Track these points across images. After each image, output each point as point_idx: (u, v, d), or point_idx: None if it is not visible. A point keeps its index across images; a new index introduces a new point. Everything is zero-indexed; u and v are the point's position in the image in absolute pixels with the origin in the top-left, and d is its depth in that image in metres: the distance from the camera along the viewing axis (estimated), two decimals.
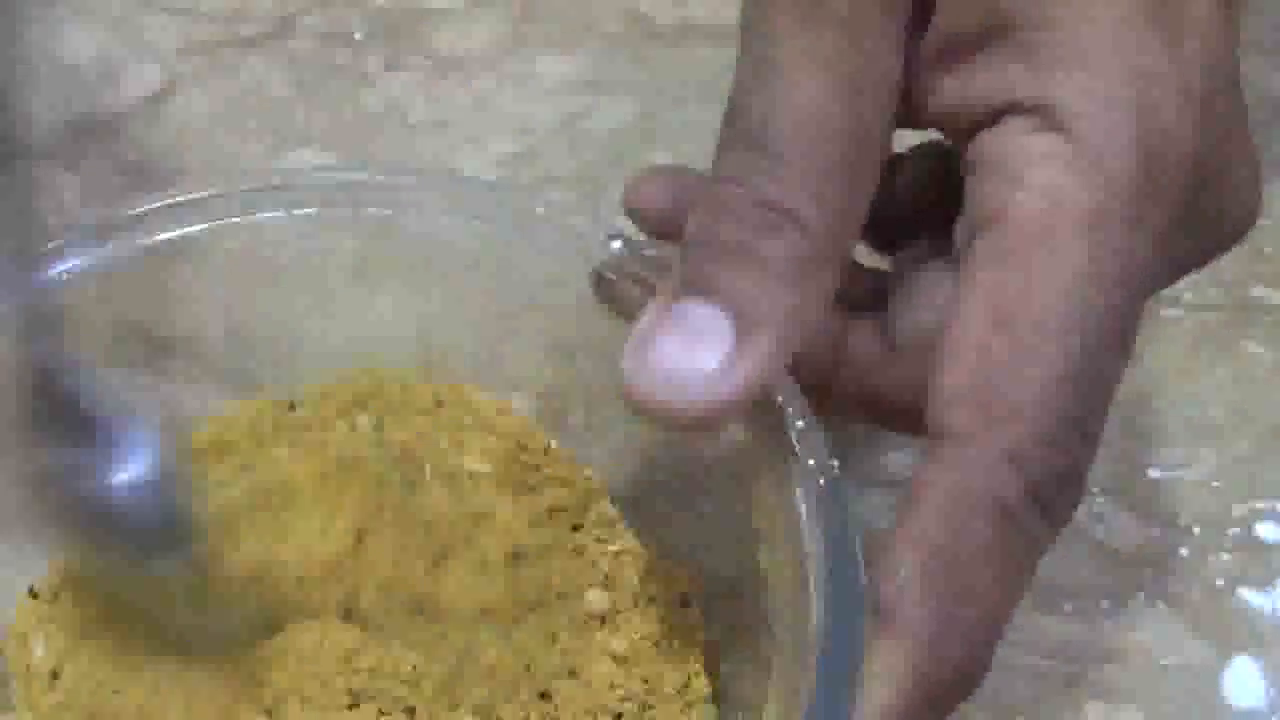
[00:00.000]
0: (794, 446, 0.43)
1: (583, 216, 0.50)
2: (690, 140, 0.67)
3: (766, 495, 0.45)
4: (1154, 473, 0.57)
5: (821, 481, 0.42)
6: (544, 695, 0.46)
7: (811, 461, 0.42)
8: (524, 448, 0.51)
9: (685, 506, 0.51)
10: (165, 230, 0.52)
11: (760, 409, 0.44)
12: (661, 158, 0.68)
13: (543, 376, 0.53)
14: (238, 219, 0.52)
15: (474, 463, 0.50)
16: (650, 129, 0.69)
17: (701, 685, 0.47)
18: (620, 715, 0.46)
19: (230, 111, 0.70)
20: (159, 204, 0.52)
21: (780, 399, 0.44)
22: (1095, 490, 0.56)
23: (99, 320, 0.53)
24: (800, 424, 0.43)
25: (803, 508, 0.42)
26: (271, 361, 0.55)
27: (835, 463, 0.42)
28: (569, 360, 0.53)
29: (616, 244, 0.48)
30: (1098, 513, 0.55)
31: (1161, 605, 0.53)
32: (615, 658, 0.47)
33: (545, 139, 0.69)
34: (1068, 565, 0.54)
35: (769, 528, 0.46)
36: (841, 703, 0.38)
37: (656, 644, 0.47)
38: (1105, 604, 0.53)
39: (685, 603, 0.48)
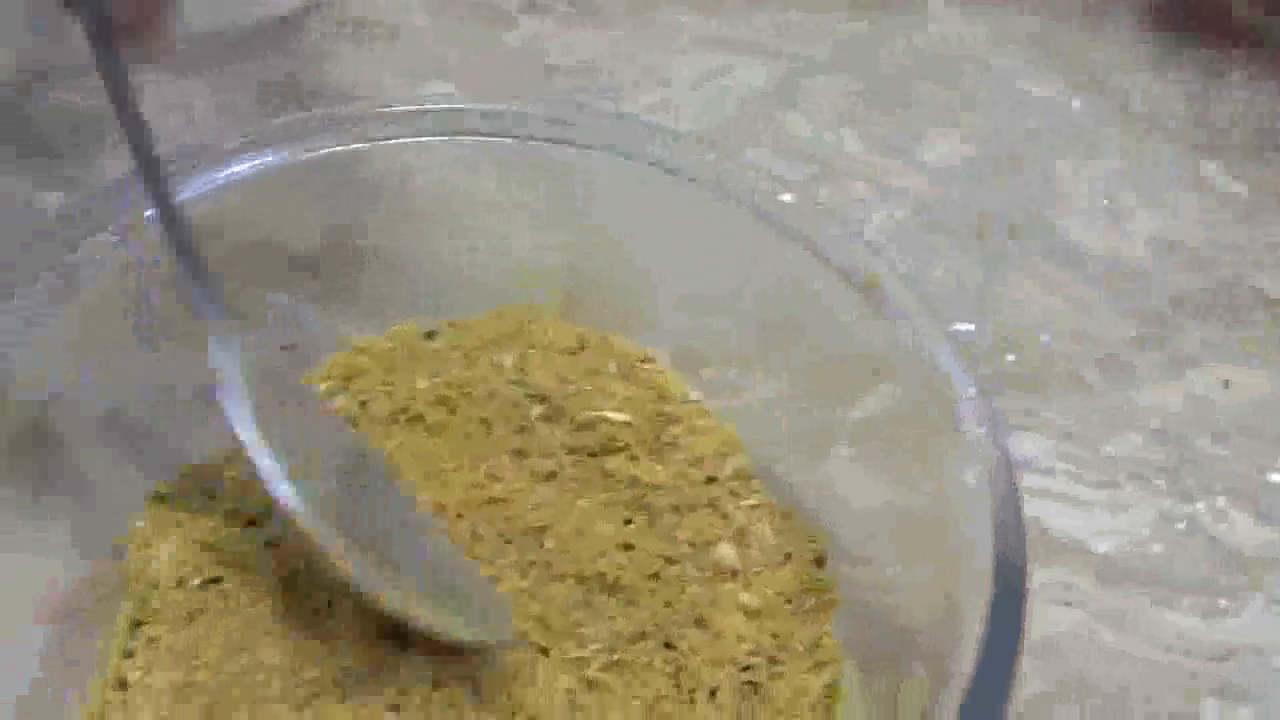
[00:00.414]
0: (962, 416, 0.42)
1: (752, 169, 0.49)
2: (826, 107, 0.67)
3: (918, 464, 0.45)
4: (1275, 476, 0.56)
5: (994, 457, 0.41)
6: (669, 645, 0.46)
7: (983, 431, 0.42)
8: (664, 398, 0.51)
9: (815, 469, 0.51)
10: (309, 149, 0.51)
11: (920, 370, 0.44)
12: (796, 122, 0.68)
13: (679, 329, 0.53)
14: (385, 142, 0.52)
15: (614, 410, 0.49)
16: (786, 93, 0.69)
17: (833, 646, 0.47)
18: (748, 668, 0.46)
19: (367, 39, 0.70)
20: (302, 122, 0.52)
21: (943, 362, 0.43)
22: (1217, 490, 0.55)
23: (235, 236, 0.53)
24: (971, 391, 0.42)
25: (970, 482, 0.41)
26: (408, 289, 0.55)
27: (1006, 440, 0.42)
28: (706, 314, 0.52)
29: (787, 197, 0.47)
30: (1220, 510, 0.55)
31: (1278, 609, 0.53)
32: (746, 611, 0.47)
33: (681, 94, 0.68)
34: (1188, 562, 0.54)
35: (908, 495, 0.46)
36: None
37: (789, 601, 0.47)
38: (1223, 603, 0.53)
39: (820, 562, 0.48)
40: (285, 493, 0.45)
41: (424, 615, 0.45)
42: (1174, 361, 0.60)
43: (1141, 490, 0.56)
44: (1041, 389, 0.58)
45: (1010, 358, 0.59)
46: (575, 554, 0.48)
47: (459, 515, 0.48)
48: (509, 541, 0.48)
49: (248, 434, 0.45)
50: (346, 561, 0.45)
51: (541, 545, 0.48)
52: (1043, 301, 0.61)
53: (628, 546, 0.48)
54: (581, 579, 0.47)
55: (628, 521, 0.48)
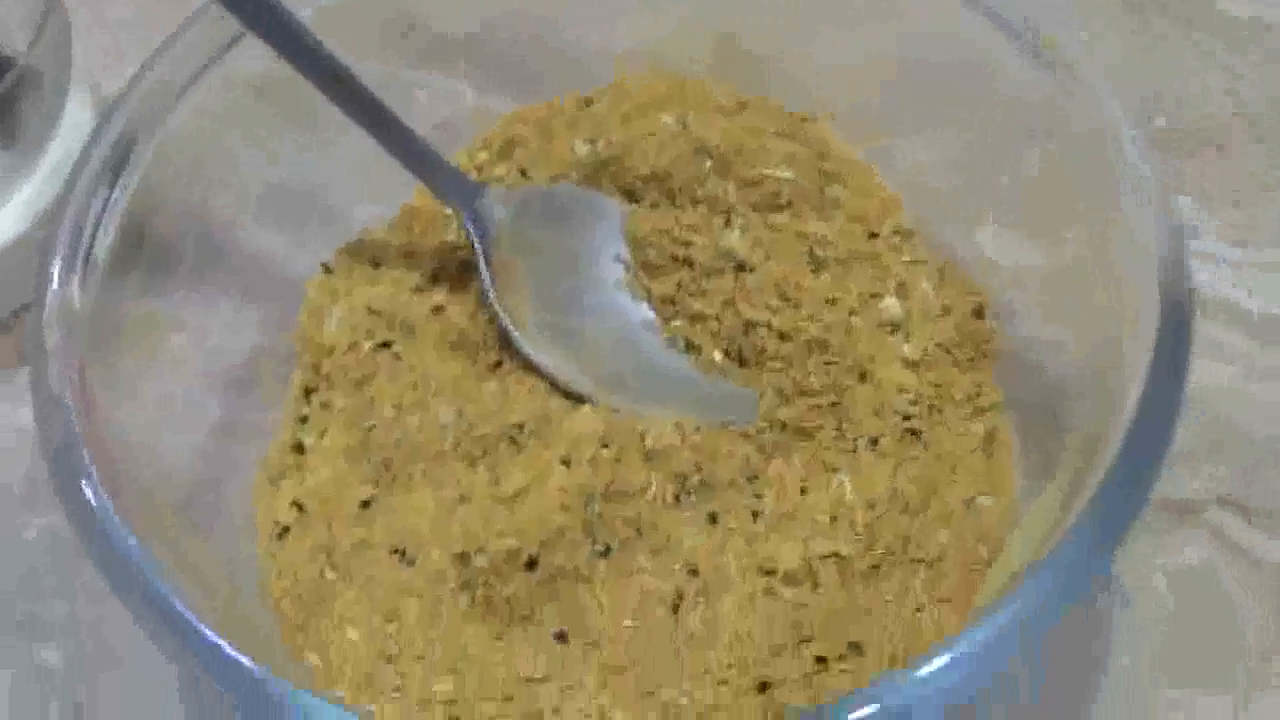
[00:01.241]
0: (1130, 162, 0.42)
1: None
2: None
3: (1080, 218, 0.45)
4: None
5: (1161, 202, 0.42)
6: (835, 404, 0.47)
7: (1149, 173, 0.42)
8: (824, 156, 0.51)
9: (972, 229, 0.51)
10: None
11: (1087, 124, 0.44)
12: None
13: (835, 93, 0.53)
14: None
15: (777, 168, 0.50)
16: None
17: (993, 394, 0.47)
18: (909, 417, 0.47)
19: None
20: None
21: (1110, 114, 0.43)
22: None
23: (387, 18, 0.54)
24: (1138, 138, 0.42)
25: (1137, 229, 0.42)
26: (561, 64, 0.55)
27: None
28: (864, 77, 0.52)
29: None
30: None
31: None
32: (906, 362, 0.47)
33: None
34: None
35: (1068, 249, 0.46)
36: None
37: (948, 351, 0.48)
38: None
39: (979, 314, 0.48)
40: (526, 347, 0.49)
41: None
42: None
43: None
44: (1190, 152, 0.58)
45: (1160, 121, 0.59)
46: (737, 308, 0.48)
47: (656, 267, 0.49)
48: (709, 277, 0.49)
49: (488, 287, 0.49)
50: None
51: (741, 286, 0.49)
52: (1191, 67, 0.61)
53: (830, 300, 0.48)
54: (744, 332, 0.48)
55: (795, 276, 0.48)
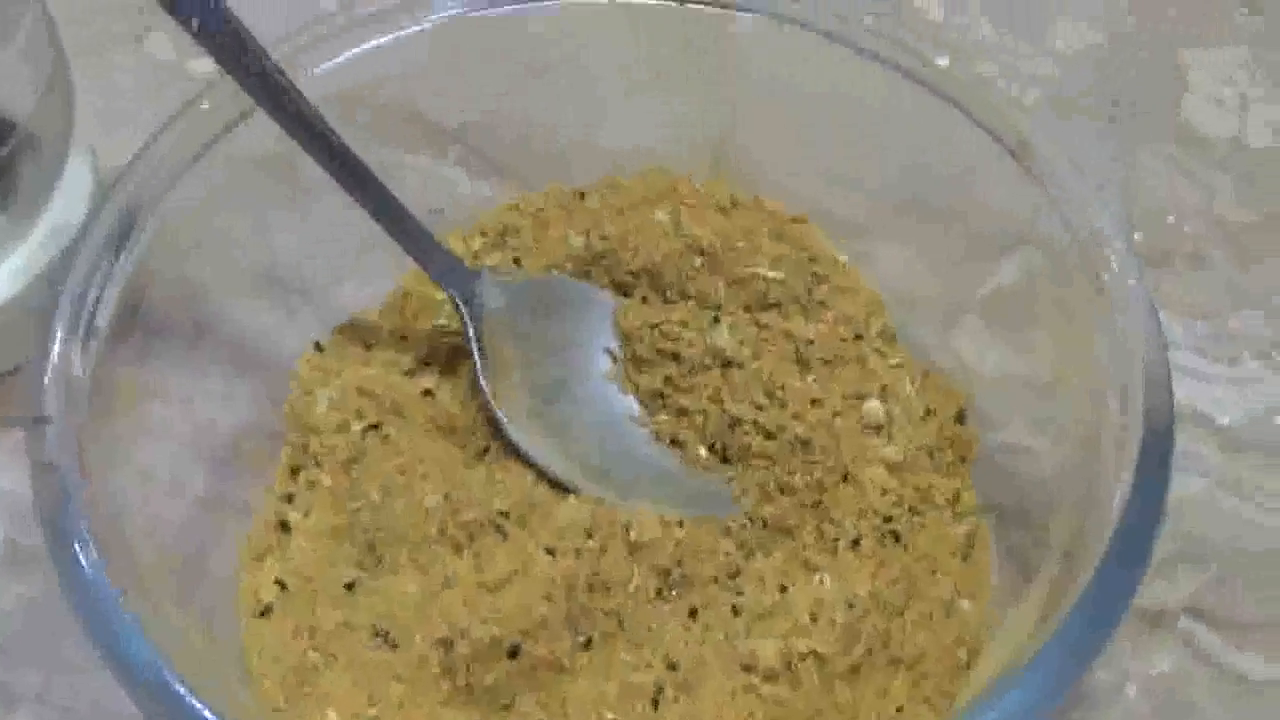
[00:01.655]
0: (1115, 272, 0.43)
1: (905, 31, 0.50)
2: None
3: (1060, 326, 0.46)
4: None
5: (1146, 317, 0.43)
6: (817, 503, 0.47)
7: (1135, 285, 0.43)
8: (814, 259, 0.52)
9: (949, 334, 0.52)
10: (454, 17, 0.52)
11: (1070, 230, 0.45)
12: (926, 3, 0.68)
13: (823, 194, 0.54)
14: (534, 4, 0.52)
15: (768, 268, 0.51)
16: None
17: (973, 499, 0.48)
18: (890, 519, 0.47)
19: None
20: None
21: (1096, 221, 0.44)
22: None
23: (383, 104, 0.54)
24: (1121, 248, 0.43)
25: (1121, 343, 0.43)
26: (557, 155, 0.56)
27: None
28: (852, 179, 0.53)
29: (944, 61, 0.48)
30: None
31: None
32: (889, 465, 0.48)
33: None
34: None
35: (1047, 358, 0.47)
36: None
37: (930, 455, 0.48)
38: None
39: (960, 418, 0.49)
40: (514, 434, 0.50)
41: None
42: None
43: (1263, 366, 0.57)
44: (1167, 266, 0.59)
45: (1137, 236, 0.60)
46: (724, 408, 0.49)
47: (645, 361, 0.50)
48: (696, 373, 0.50)
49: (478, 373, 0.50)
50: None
51: (728, 383, 0.50)
52: (1169, 184, 0.62)
53: (815, 401, 0.49)
54: (731, 430, 0.49)
55: (783, 377, 0.49)
